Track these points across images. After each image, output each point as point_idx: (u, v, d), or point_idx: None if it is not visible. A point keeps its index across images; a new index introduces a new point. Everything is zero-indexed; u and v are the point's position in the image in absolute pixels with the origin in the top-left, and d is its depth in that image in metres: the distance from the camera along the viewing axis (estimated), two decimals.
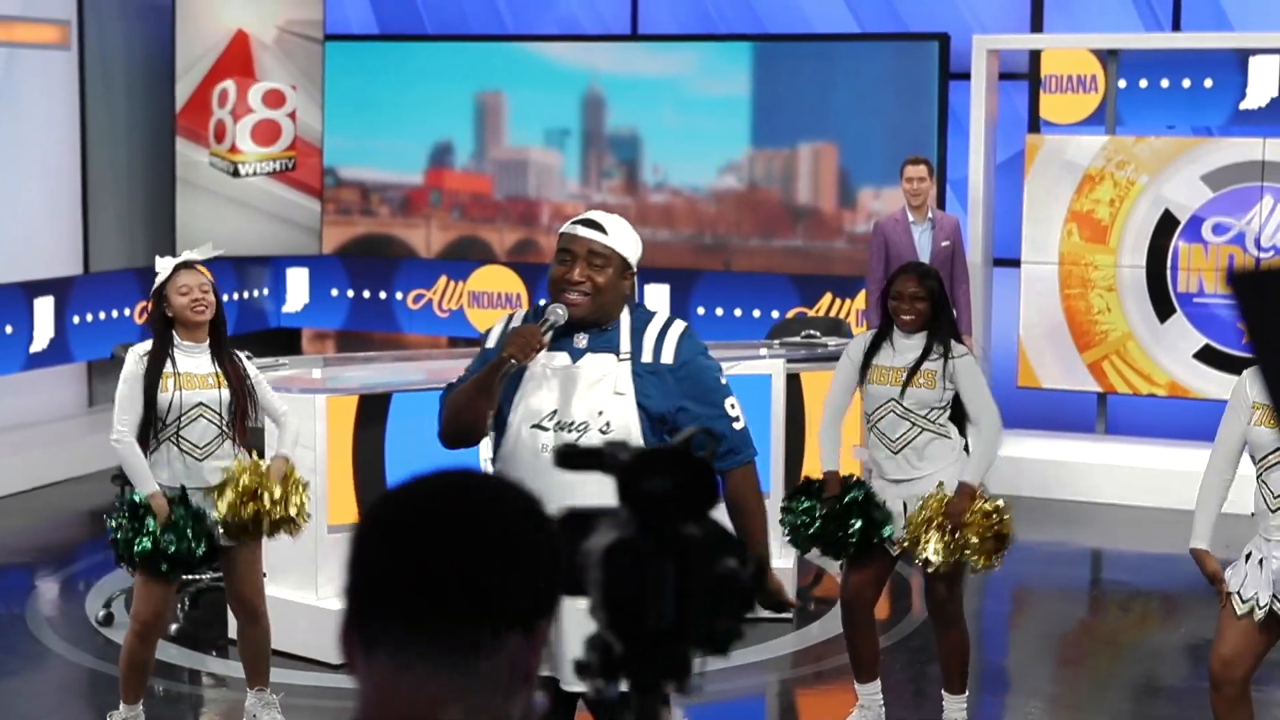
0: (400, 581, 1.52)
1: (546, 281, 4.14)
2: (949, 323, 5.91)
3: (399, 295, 12.30)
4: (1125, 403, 10.47)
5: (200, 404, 5.61)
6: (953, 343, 5.84)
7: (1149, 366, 10.10)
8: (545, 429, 3.99)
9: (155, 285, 5.67)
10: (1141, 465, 9.75)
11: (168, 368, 5.58)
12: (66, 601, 7.81)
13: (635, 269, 4.13)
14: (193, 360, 5.64)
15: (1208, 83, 10.24)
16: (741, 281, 11.33)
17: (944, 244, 9.35)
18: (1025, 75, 10.87)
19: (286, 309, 12.41)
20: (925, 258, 9.19)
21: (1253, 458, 5.08)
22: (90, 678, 6.82)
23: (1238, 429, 5.07)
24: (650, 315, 4.13)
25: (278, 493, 5.69)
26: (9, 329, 10.21)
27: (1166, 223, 10.01)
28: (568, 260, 4.05)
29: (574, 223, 4.11)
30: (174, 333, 5.64)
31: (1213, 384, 9.81)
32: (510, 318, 4.21)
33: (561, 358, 4.04)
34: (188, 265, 5.67)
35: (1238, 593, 5.10)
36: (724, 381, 4.10)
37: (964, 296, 9.38)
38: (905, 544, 5.80)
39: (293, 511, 5.75)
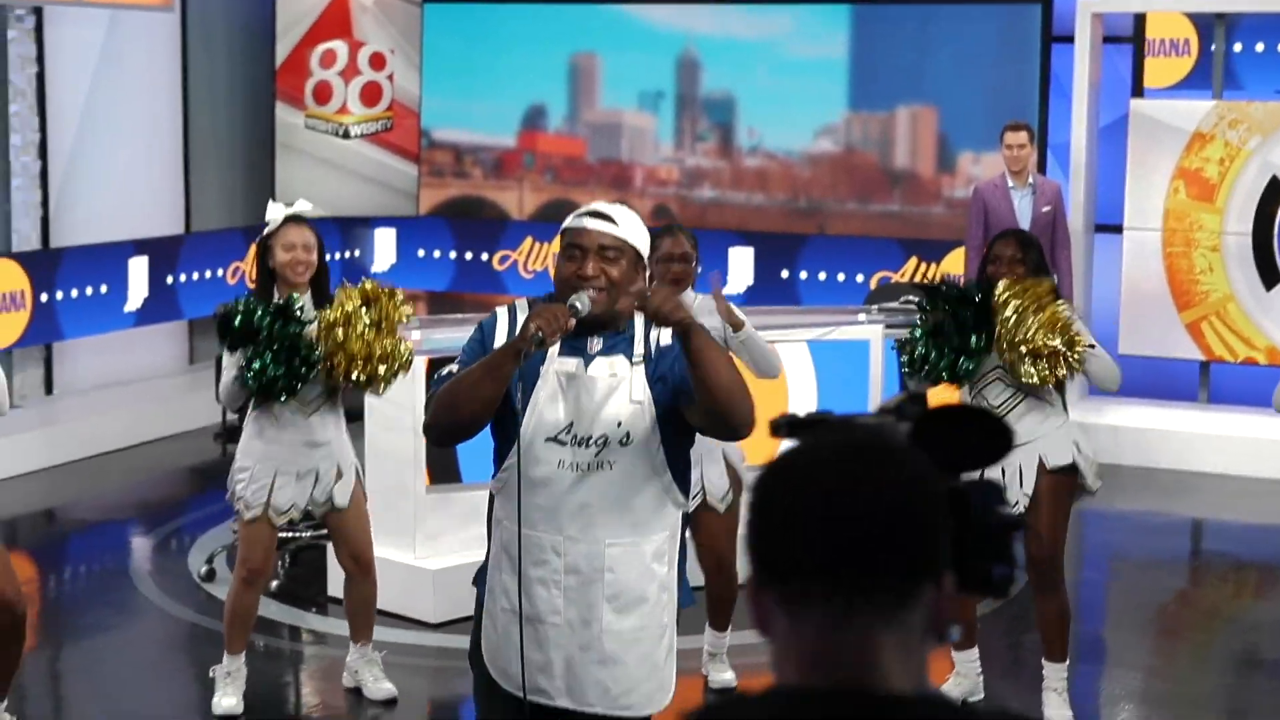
0: (834, 543, 1.57)
1: (555, 277, 3.84)
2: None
3: (484, 256, 12.30)
4: (1228, 371, 10.32)
5: None
6: None
7: (1249, 330, 9.94)
8: (563, 443, 3.74)
9: (263, 234, 5.66)
10: (1245, 435, 9.62)
11: None
12: (168, 557, 7.91)
13: (648, 265, 3.90)
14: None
15: None
16: (834, 245, 11.26)
17: (1044, 210, 9.24)
18: (1129, 39, 10.71)
19: (375, 269, 12.46)
20: (1025, 224, 9.10)
21: None
22: (192, 632, 6.91)
23: None
24: (649, 323, 3.82)
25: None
26: (104, 288, 10.34)
27: (1273, 189, 9.84)
28: (577, 256, 3.76)
29: (579, 215, 3.84)
30: (275, 288, 5.65)
31: None
32: (513, 307, 3.90)
33: (571, 363, 3.76)
34: (297, 220, 5.66)
35: None
36: None
37: (1065, 263, 9.26)
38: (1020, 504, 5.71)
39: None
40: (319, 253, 5.66)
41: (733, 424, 3.72)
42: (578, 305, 3.68)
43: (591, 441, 3.74)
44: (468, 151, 12.45)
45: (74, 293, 10.09)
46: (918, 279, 10.85)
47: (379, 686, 6.04)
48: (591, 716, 3.83)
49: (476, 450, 7.05)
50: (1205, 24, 10.41)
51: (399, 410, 6.83)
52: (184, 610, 7.11)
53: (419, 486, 6.77)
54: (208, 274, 11.02)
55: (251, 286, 5.77)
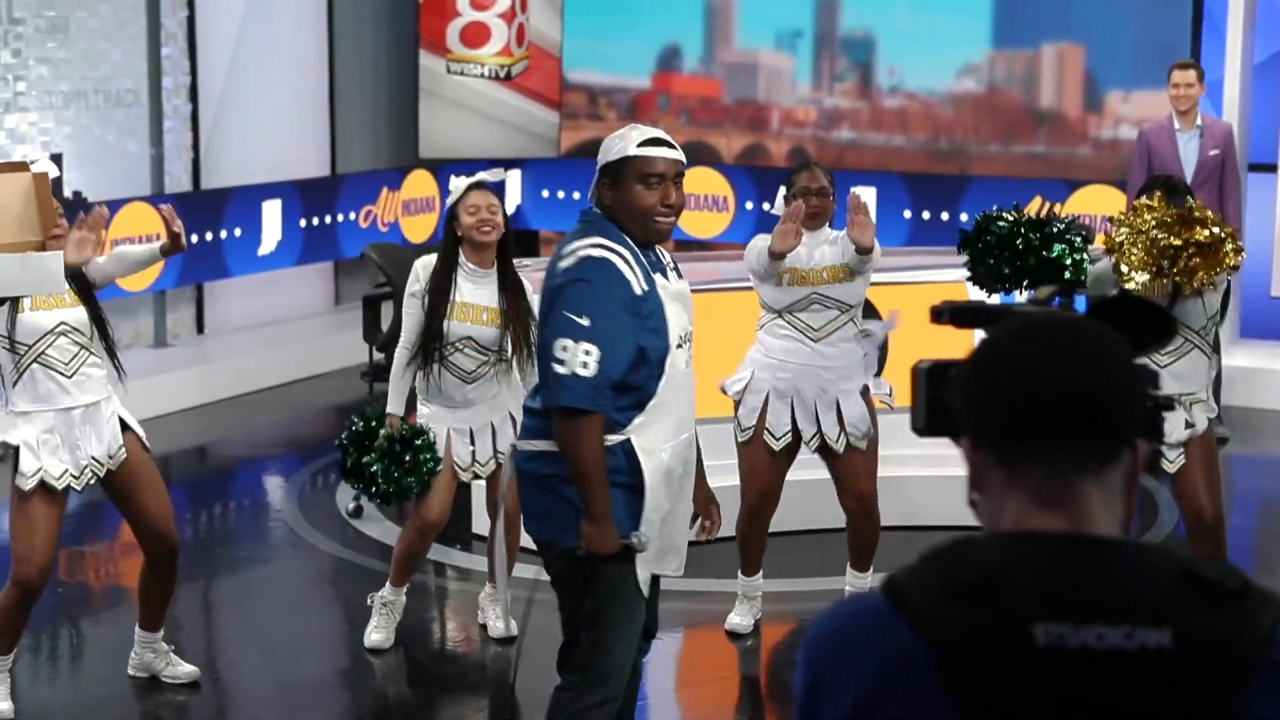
0: (1052, 408, 1.75)
1: (623, 209, 3.98)
2: None
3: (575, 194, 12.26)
4: (1258, 305, 10.06)
5: (467, 338, 5.69)
6: None
7: None
8: (684, 346, 4.06)
9: (449, 202, 5.76)
10: (1273, 367, 9.41)
11: (451, 294, 5.67)
12: (317, 494, 8.05)
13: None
14: (475, 289, 5.70)
15: None
16: (974, 186, 11.11)
17: (1212, 153, 8.88)
18: None
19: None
20: (1190, 167, 8.83)
21: None
22: (339, 567, 7.04)
23: None
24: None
25: None
26: (237, 230, 10.50)
27: None
28: (657, 184, 3.98)
29: (648, 144, 4.01)
30: (461, 252, 5.73)
31: None
32: (620, 257, 3.97)
33: (661, 280, 4.03)
34: (479, 185, 5.74)
35: None
36: None
37: (1234, 210, 8.89)
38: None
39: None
40: (504, 216, 5.74)
41: None
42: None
43: (685, 339, 4.07)
44: (602, 93, 12.38)
45: (223, 234, 10.26)
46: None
47: (497, 625, 6.12)
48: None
49: None
50: None
51: None
52: (332, 545, 7.24)
53: None
54: (351, 215, 11.14)
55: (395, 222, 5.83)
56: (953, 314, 1.95)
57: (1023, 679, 1.69)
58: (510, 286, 5.74)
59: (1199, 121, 8.97)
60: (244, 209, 10.38)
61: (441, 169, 11.54)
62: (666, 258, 4.14)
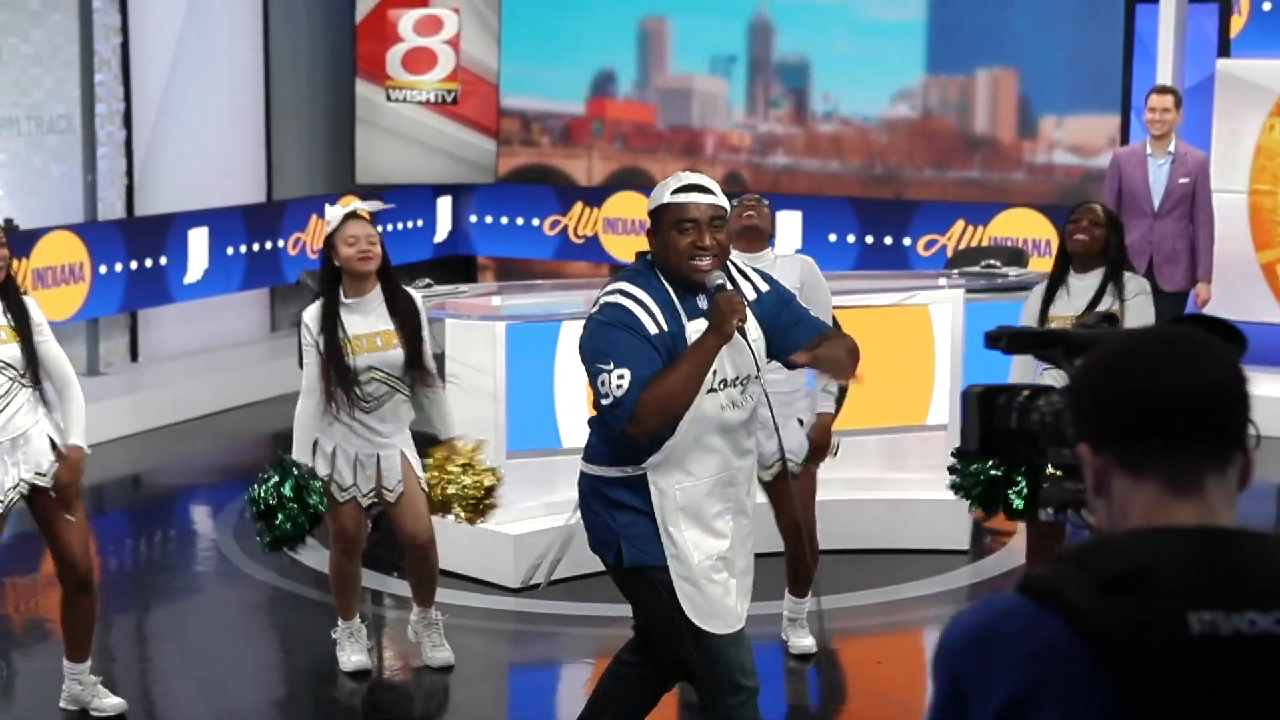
0: (1186, 409, 1.84)
1: (663, 254, 4.15)
2: (1122, 263, 5.79)
3: (534, 221, 12.27)
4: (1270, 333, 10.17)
5: (371, 367, 5.65)
6: (1127, 279, 5.73)
7: None
8: (717, 391, 4.15)
9: (327, 233, 5.72)
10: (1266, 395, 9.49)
11: (339, 332, 5.62)
12: (252, 521, 7.97)
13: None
14: (361, 319, 5.65)
15: None
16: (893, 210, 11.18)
17: (1182, 180, 8.85)
18: None
19: (436, 239, 12.42)
20: (1159, 193, 8.84)
21: None
22: (276, 595, 6.99)
23: None
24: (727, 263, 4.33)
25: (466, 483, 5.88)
26: (162, 259, 10.44)
27: None
28: (691, 230, 4.12)
29: (681, 190, 4.16)
30: (340, 289, 5.68)
31: None
32: (632, 295, 4.14)
33: (699, 323, 4.14)
34: (355, 216, 5.69)
35: None
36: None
37: (1204, 240, 8.89)
38: None
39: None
40: (381, 244, 5.71)
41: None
42: (721, 283, 4.12)
43: (739, 381, 4.19)
44: (535, 119, 12.34)
45: (163, 260, 10.19)
46: (965, 243, 10.76)
47: (435, 654, 6.08)
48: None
49: (547, 418, 7.10)
50: None
51: (480, 376, 6.87)
52: (267, 574, 7.18)
53: (500, 452, 6.80)
54: (288, 242, 11.09)
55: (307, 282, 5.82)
56: (1010, 339, 2.13)
57: (1180, 667, 1.75)
58: (401, 306, 5.70)
59: (1172, 148, 8.93)
60: (178, 236, 10.31)
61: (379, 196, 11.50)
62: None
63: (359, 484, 5.76)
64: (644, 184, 11.95)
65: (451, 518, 6.00)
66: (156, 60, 10.50)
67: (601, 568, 6.93)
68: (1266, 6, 10.30)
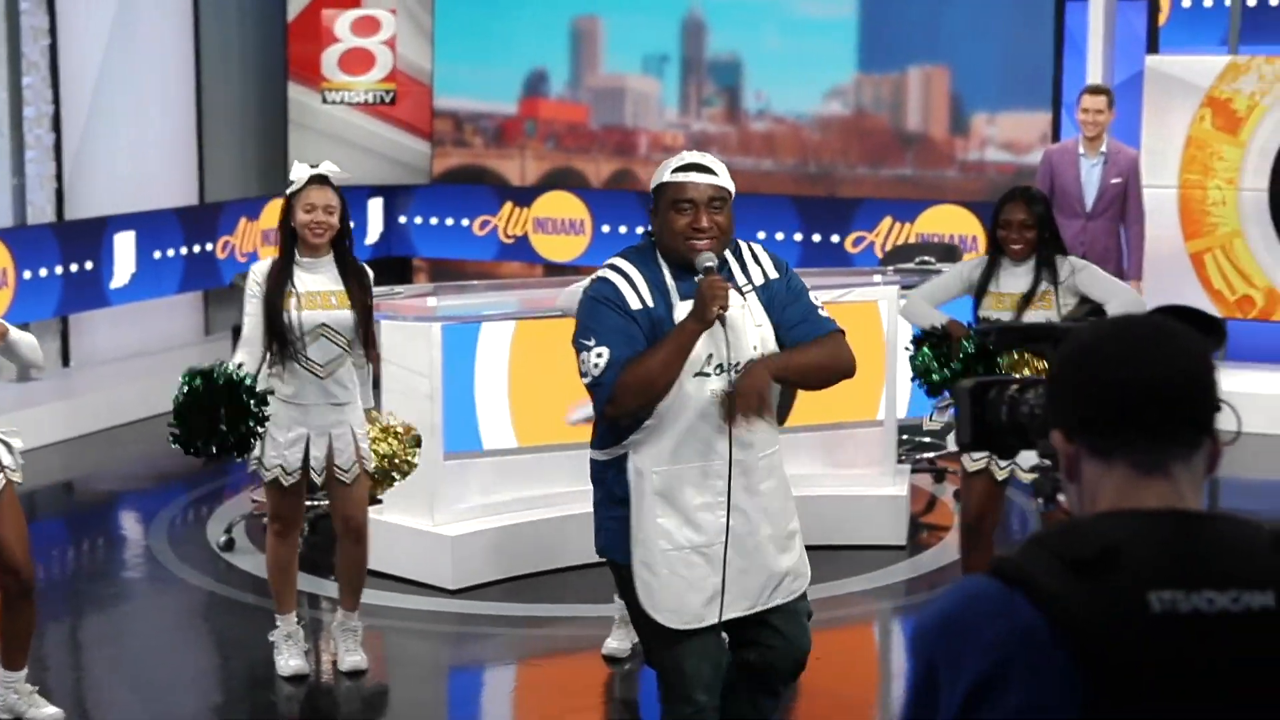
0: (1154, 397, 1.91)
1: (661, 233, 4.08)
2: (1056, 249, 5.83)
3: (464, 222, 12.24)
4: (1245, 329, 10.29)
5: (322, 324, 5.63)
6: (1058, 260, 5.78)
7: (1251, 268, 9.90)
8: (708, 375, 4.04)
9: (288, 192, 5.66)
10: (1261, 391, 9.58)
11: (289, 286, 5.60)
12: (187, 527, 7.93)
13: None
14: (314, 277, 5.63)
15: None
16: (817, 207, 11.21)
17: (1114, 180, 8.94)
18: None
19: (368, 240, 12.35)
20: (1091, 193, 8.91)
21: None
22: (210, 601, 6.93)
23: None
24: (735, 245, 4.21)
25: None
26: (88, 263, 10.36)
27: None
28: (688, 209, 4.04)
29: (681, 169, 4.08)
30: (296, 248, 5.65)
31: None
32: (620, 270, 4.10)
33: (690, 304, 4.03)
34: (321, 180, 5.64)
35: None
36: (806, 285, 4.29)
37: (1136, 238, 8.99)
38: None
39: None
40: (341, 215, 5.66)
41: (846, 376, 4.20)
42: (710, 265, 3.99)
43: (738, 368, 4.04)
44: (468, 119, 12.29)
45: (88, 265, 10.10)
46: (892, 240, 10.82)
47: (348, 658, 6.05)
48: (767, 611, 4.21)
49: (484, 418, 7.09)
50: None
51: (416, 377, 6.84)
52: (203, 579, 7.13)
53: (437, 453, 6.79)
54: (220, 245, 11.02)
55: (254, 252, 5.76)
56: (999, 335, 2.18)
57: (1141, 644, 1.82)
58: (352, 274, 5.68)
59: (1104, 148, 8.99)
60: (109, 239, 10.22)
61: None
62: (738, 278, 4.13)
63: (312, 464, 5.73)
64: (577, 184, 11.94)
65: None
66: (85, 63, 10.40)
67: (537, 569, 6.98)
68: (1186, 2, 10.40)
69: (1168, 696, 1.82)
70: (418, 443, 6.03)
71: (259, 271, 5.66)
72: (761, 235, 11.12)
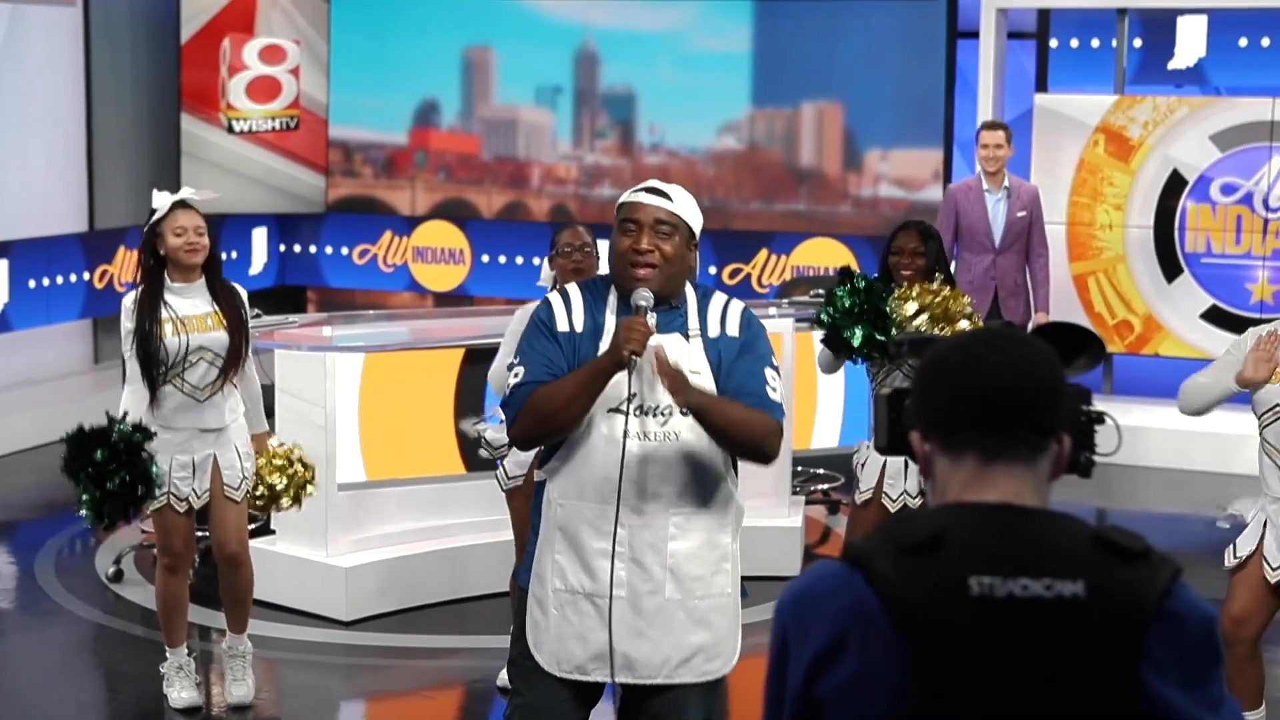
0: (993, 401, 2.08)
1: (609, 253, 3.87)
2: (946, 277, 5.91)
3: (344, 250, 12.19)
4: (1131, 364, 10.47)
5: (202, 347, 5.59)
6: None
7: (1132, 293, 10.08)
8: (622, 413, 3.76)
9: (150, 220, 5.63)
10: (1147, 425, 9.74)
11: (164, 313, 5.56)
12: (75, 558, 7.81)
13: (698, 240, 3.93)
14: (188, 301, 5.61)
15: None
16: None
17: (1020, 214, 9.06)
18: (1033, 34, 10.83)
19: (252, 270, 12.29)
20: (999, 228, 9.02)
21: (1256, 414, 5.11)
22: (99, 634, 6.83)
23: (1227, 377, 5.14)
24: (712, 291, 3.97)
25: (283, 481, 5.82)
26: (32, 283, 10.20)
27: (1175, 182, 9.98)
28: (633, 230, 3.81)
29: (636, 191, 3.88)
30: (166, 274, 5.62)
31: (1220, 344, 9.79)
32: (564, 293, 3.91)
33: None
34: (184, 205, 5.64)
35: (1264, 557, 5.11)
36: (773, 362, 3.95)
37: (1042, 271, 9.11)
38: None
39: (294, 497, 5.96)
40: (210, 235, 5.65)
41: (761, 457, 3.85)
42: (645, 304, 3.77)
43: (659, 411, 3.79)
44: (358, 149, 12.18)
45: None
46: (771, 274, 10.91)
47: (235, 689, 5.99)
48: (657, 688, 3.86)
49: (377, 449, 7.05)
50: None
51: (310, 407, 6.80)
52: (91, 611, 7.03)
53: (331, 484, 6.74)
54: (86, 275, 10.88)
55: (132, 281, 5.71)
56: (911, 345, 2.50)
57: (960, 625, 2.00)
58: (224, 294, 5.66)
59: (1007, 183, 9.12)
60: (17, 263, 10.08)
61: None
62: (690, 322, 3.87)
63: (195, 488, 5.67)
64: (469, 215, 11.91)
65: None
66: None
67: (430, 600, 6.94)
68: (1074, 43, 10.59)
69: (982, 672, 2.00)
70: (312, 477, 6.00)
71: (129, 304, 5.62)
72: (712, 270, 11.17)
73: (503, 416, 3.97)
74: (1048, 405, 2.10)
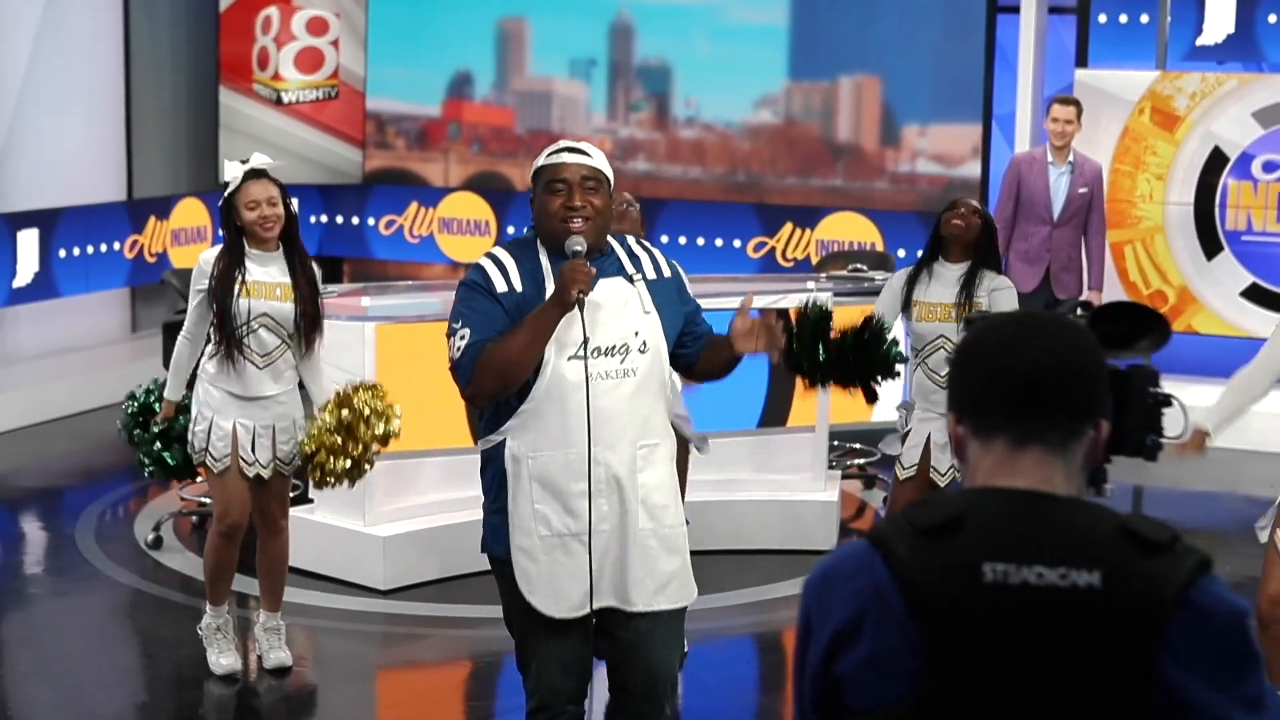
0: (1026, 385, 2.06)
1: (538, 218, 4.08)
2: (989, 264, 5.90)
3: (370, 221, 12.21)
4: (1172, 341, 10.39)
5: (264, 314, 5.61)
6: (989, 275, 5.85)
7: (1168, 264, 10.03)
8: (580, 358, 3.97)
9: (225, 194, 5.64)
10: (1185, 404, 9.67)
11: (238, 275, 5.58)
12: (115, 525, 7.87)
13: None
14: (264, 269, 5.62)
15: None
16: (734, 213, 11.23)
17: (1081, 190, 9.06)
18: (1074, 9, 10.76)
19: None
20: (1059, 203, 9.02)
21: None
22: (138, 599, 6.88)
23: None
24: (622, 237, 4.23)
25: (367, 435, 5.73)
26: (76, 251, 10.25)
27: (1216, 159, 9.92)
28: (561, 190, 4.04)
29: (554, 153, 4.09)
30: (245, 241, 5.63)
31: (1260, 322, 9.75)
32: (495, 257, 4.08)
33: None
34: (257, 174, 5.62)
35: None
36: None
37: (1098, 249, 9.11)
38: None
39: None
40: (285, 204, 5.64)
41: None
42: (579, 250, 3.96)
43: (615, 350, 4.02)
44: (390, 121, 12.14)
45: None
46: (796, 249, 10.86)
47: (273, 654, 6.03)
48: (637, 614, 4.08)
49: (416, 418, 7.07)
50: None
51: (349, 376, 6.80)
52: (130, 577, 7.07)
53: None
54: (116, 245, 10.92)
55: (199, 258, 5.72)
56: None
57: (972, 610, 1.99)
58: (299, 266, 5.67)
59: (1071, 158, 9.11)
60: (29, 235, 10.11)
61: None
62: (626, 267, 4.11)
63: (259, 458, 5.70)
64: (500, 187, 11.87)
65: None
66: (13, 56, 10.28)
67: (468, 570, 6.96)
68: (1123, 18, 10.52)
69: (993, 659, 1.98)
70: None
71: (206, 260, 5.64)
72: (663, 240, 11.15)
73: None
74: (1083, 390, 2.07)
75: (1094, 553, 2.00)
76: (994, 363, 2.08)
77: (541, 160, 4.10)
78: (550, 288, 3.99)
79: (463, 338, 3.97)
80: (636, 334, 4.04)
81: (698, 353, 4.18)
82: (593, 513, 3.99)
